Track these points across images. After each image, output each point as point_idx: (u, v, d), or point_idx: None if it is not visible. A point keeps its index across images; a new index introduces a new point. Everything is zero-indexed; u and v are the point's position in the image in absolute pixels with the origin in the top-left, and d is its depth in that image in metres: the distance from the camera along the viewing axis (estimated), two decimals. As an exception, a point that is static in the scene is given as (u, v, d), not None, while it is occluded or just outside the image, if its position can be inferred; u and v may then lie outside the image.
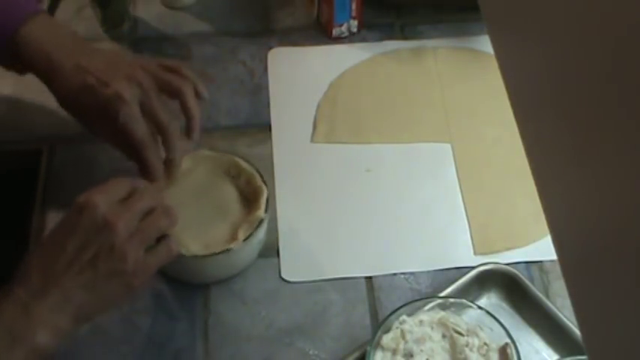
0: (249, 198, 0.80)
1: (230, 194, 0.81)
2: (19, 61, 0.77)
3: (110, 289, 0.64)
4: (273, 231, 0.83)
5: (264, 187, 0.79)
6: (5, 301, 0.62)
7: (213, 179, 0.82)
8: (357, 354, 0.74)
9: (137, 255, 0.65)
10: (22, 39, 0.76)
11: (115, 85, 0.73)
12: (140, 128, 0.73)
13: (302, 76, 0.99)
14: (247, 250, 0.78)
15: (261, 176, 0.80)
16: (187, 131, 0.77)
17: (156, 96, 0.75)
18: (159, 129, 0.75)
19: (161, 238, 0.68)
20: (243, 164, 0.81)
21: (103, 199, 0.65)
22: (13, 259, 0.84)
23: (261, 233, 0.78)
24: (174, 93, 0.77)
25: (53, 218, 0.85)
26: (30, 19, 0.76)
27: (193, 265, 0.76)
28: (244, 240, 0.76)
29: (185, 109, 0.77)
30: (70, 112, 0.78)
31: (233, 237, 0.77)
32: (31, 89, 0.80)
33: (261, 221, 0.77)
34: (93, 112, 0.75)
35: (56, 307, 0.62)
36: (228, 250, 0.75)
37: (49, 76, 0.76)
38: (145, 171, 0.74)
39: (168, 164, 0.76)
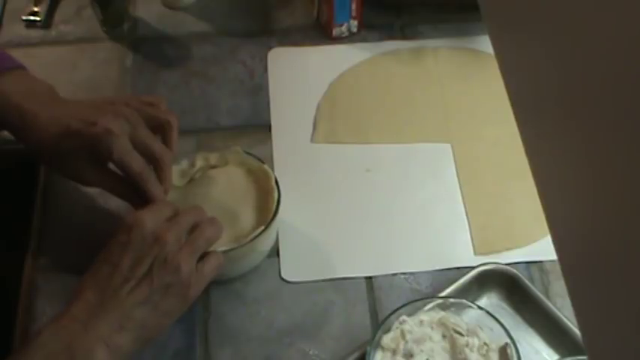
0: (263, 199, 0.80)
1: (246, 196, 0.80)
2: None
3: (167, 302, 0.65)
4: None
5: (275, 189, 0.79)
6: (64, 320, 0.63)
7: (235, 179, 0.81)
8: (357, 354, 0.74)
9: (190, 266, 0.66)
10: None
11: (102, 123, 0.71)
12: (136, 161, 0.72)
13: (302, 76, 0.99)
14: (251, 250, 0.77)
15: (276, 179, 0.80)
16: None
17: (144, 128, 0.73)
18: (153, 160, 0.74)
19: (207, 252, 0.69)
20: (265, 168, 0.81)
21: (150, 217, 0.67)
22: (12, 259, 0.84)
23: (266, 236, 0.78)
24: (160, 127, 0.76)
25: (53, 218, 0.85)
26: (7, 73, 0.75)
27: None
28: (247, 243, 0.75)
29: (167, 142, 0.76)
30: (50, 164, 0.77)
31: (241, 236, 0.76)
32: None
33: (268, 223, 0.77)
34: (78, 157, 0.73)
35: (116, 324, 0.63)
36: (228, 250, 0.75)
37: (23, 129, 0.74)
38: (147, 202, 0.73)
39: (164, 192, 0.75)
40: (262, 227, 0.76)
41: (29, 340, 0.63)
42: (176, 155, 0.77)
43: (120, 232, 0.66)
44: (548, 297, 0.77)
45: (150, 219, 0.67)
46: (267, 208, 0.78)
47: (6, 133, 0.77)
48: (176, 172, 0.80)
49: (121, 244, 0.66)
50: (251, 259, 0.79)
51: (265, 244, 0.79)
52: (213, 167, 0.82)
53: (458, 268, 0.80)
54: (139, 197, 0.73)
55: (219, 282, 0.79)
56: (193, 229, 0.69)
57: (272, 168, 0.88)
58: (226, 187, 0.80)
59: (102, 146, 0.71)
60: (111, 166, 0.74)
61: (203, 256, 0.69)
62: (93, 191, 0.87)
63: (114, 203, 0.84)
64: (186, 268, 0.66)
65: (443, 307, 0.72)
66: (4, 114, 0.74)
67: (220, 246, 0.73)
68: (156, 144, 0.74)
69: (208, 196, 0.79)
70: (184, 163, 0.81)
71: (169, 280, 0.65)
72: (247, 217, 0.78)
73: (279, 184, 0.79)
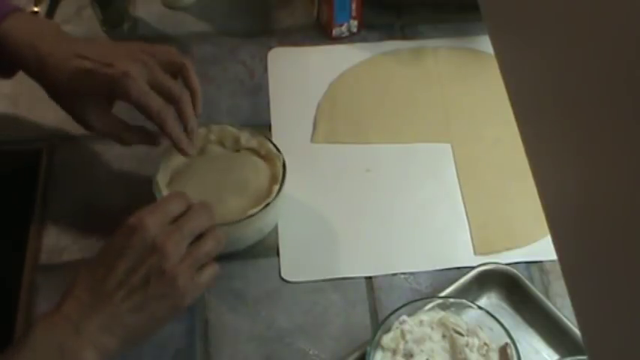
0: (269, 177, 0.81)
1: (257, 171, 0.82)
2: (3, 57, 0.76)
3: (159, 310, 0.65)
4: (273, 231, 0.83)
5: (280, 170, 0.80)
6: (56, 318, 0.63)
7: (239, 155, 0.84)
8: (357, 354, 0.74)
9: (187, 278, 0.66)
10: (3, 32, 0.74)
11: (119, 65, 0.72)
12: (155, 101, 0.73)
13: (302, 76, 0.99)
14: (255, 223, 0.78)
15: (280, 152, 0.82)
16: (193, 106, 0.78)
17: (161, 71, 0.74)
18: (173, 101, 0.75)
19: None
20: (270, 145, 0.83)
21: (154, 220, 0.66)
22: (12, 259, 0.84)
23: (265, 214, 0.78)
24: (177, 71, 0.77)
25: (53, 218, 0.85)
26: (9, 15, 0.76)
27: None
28: (250, 216, 0.76)
29: (189, 84, 0.77)
30: (62, 103, 0.77)
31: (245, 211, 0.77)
32: (31, 89, 0.80)
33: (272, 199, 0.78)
34: (91, 98, 0.75)
35: (106, 328, 0.63)
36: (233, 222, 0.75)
37: (37, 66, 0.75)
38: (172, 140, 0.75)
39: (189, 134, 0.77)
40: (268, 200, 0.78)
41: (21, 337, 0.63)
42: (199, 95, 0.78)
43: (120, 234, 0.66)
44: (548, 297, 0.77)
45: (153, 223, 0.65)
46: (273, 180, 0.80)
47: (5, 130, 0.78)
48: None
49: (120, 247, 0.65)
50: (255, 233, 0.80)
51: (270, 218, 0.80)
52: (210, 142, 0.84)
53: (458, 268, 0.80)
54: (145, 138, 0.75)
55: (218, 260, 0.79)
56: (197, 237, 0.68)
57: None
58: (229, 162, 0.82)
59: (119, 88, 0.72)
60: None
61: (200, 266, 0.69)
62: (92, 191, 0.87)
63: (114, 203, 0.84)
64: (183, 281, 0.65)
65: (443, 307, 0.72)
66: (19, 54, 0.75)
67: (227, 218, 0.75)
68: (174, 84, 0.75)
69: (212, 171, 0.81)
70: (201, 131, 0.83)
71: (164, 291, 0.65)
72: (253, 190, 0.80)
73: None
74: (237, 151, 0.84)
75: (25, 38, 0.75)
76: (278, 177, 0.80)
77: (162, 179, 0.79)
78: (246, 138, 0.84)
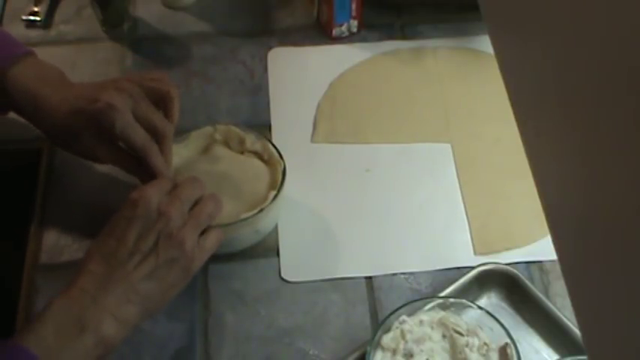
0: (269, 178, 0.82)
1: (258, 176, 0.82)
2: (4, 101, 0.78)
3: (171, 276, 0.67)
4: (273, 231, 0.83)
5: (280, 172, 0.80)
6: (72, 292, 0.64)
7: (240, 156, 0.84)
8: (357, 354, 0.74)
9: (193, 240, 0.68)
10: (10, 79, 0.77)
11: (104, 98, 0.73)
12: (139, 134, 0.73)
13: (302, 76, 0.99)
14: (251, 226, 0.78)
15: (282, 159, 0.82)
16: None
17: (146, 102, 0.75)
18: (155, 134, 0.75)
19: (207, 227, 0.71)
20: (273, 150, 0.83)
21: (154, 191, 0.69)
22: (12, 259, 0.84)
23: (267, 213, 0.79)
24: (161, 98, 0.77)
25: (53, 218, 0.85)
26: (19, 60, 0.78)
27: None
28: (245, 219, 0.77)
29: (168, 114, 0.77)
30: (63, 146, 0.80)
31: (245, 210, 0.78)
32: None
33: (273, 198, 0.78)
34: (87, 135, 0.75)
35: (123, 297, 0.65)
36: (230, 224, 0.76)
37: (36, 113, 0.77)
38: (151, 175, 0.74)
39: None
40: (262, 205, 0.78)
41: (39, 313, 0.64)
42: (175, 126, 0.78)
43: (125, 207, 0.68)
44: (548, 297, 0.77)
45: (153, 193, 0.68)
46: (272, 186, 0.80)
47: (5, 130, 0.78)
48: (194, 141, 0.83)
49: (126, 218, 0.67)
50: (250, 236, 0.80)
51: (265, 222, 0.80)
52: (217, 142, 0.84)
53: (458, 268, 0.80)
54: (147, 172, 0.75)
55: (217, 260, 0.80)
56: (195, 204, 0.71)
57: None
58: (231, 164, 0.82)
59: (105, 120, 0.73)
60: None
61: (204, 231, 0.71)
62: (92, 191, 0.87)
63: (114, 203, 0.84)
64: (190, 243, 0.68)
65: (443, 307, 0.72)
66: (19, 100, 0.77)
67: (222, 220, 0.75)
68: (157, 117, 0.75)
69: (213, 172, 0.81)
70: (208, 129, 0.84)
71: (174, 254, 0.67)
72: (250, 195, 0.80)
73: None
74: (242, 153, 0.84)
75: (27, 88, 0.77)
76: (277, 183, 0.80)
77: None
78: (251, 141, 0.84)
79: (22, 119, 0.80)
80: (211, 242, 0.71)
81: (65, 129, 0.76)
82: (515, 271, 0.78)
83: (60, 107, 0.75)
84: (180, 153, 0.82)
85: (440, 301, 0.73)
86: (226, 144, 0.84)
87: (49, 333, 0.62)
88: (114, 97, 0.73)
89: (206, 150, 0.84)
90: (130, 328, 0.66)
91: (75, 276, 0.66)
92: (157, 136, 0.75)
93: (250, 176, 0.82)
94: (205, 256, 0.70)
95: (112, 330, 0.64)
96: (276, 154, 0.82)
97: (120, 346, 0.66)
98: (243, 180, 0.81)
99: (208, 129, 0.84)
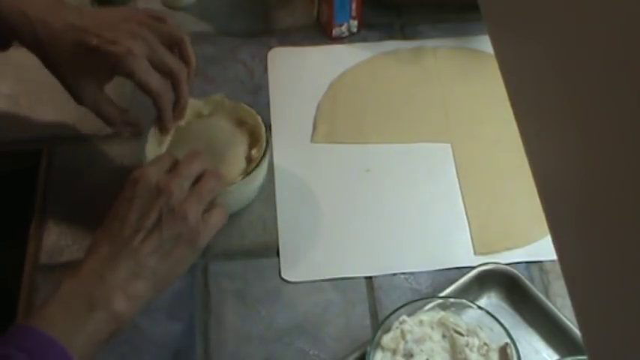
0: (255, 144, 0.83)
1: (239, 141, 0.83)
2: None
3: (178, 251, 0.67)
4: (273, 231, 0.83)
5: (264, 135, 0.82)
6: (81, 272, 0.65)
7: (225, 125, 0.85)
8: (357, 354, 0.74)
9: (197, 214, 0.68)
10: None
11: (124, 43, 0.73)
12: (156, 81, 0.75)
13: (302, 76, 0.99)
14: (241, 191, 0.81)
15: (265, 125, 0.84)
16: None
17: (161, 48, 0.76)
18: (171, 77, 0.77)
19: (211, 205, 0.71)
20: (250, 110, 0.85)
21: (153, 169, 0.70)
22: (12, 259, 0.84)
23: (255, 176, 0.81)
24: (176, 43, 0.79)
25: (53, 218, 0.85)
26: None
27: None
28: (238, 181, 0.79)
29: (185, 57, 0.79)
30: (57, 74, 0.78)
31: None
32: (31, 89, 0.80)
33: (258, 162, 0.80)
34: (90, 73, 0.76)
35: (131, 273, 0.65)
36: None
37: (31, 36, 0.75)
38: (160, 118, 0.78)
39: (181, 107, 0.80)
40: (251, 167, 0.80)
41: (49, 295, 0.64)
42: (194, 67, 0.80)
43: (125, 188, 0.69)
44: (548, 297, 0.77)
45: (153, 172, 0.69)
46: (255, 154, 0.82)
47: (5, 131, 0.78)
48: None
49: (127, 199, 0.68)
50: (240, 199, 0.83)
51: (250, 187, 0.82)
52: (201, 116, 0.86)
53: (458, 268, 0.80)
54: (127, 127, 0.77)
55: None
56: (196, 179, 0.71)
57: (272, 168, 0.88)
58: (215, 135, 0.84)
59: (123, 65, 0.74)
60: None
61: (207, 209, 0.71)
62: (92, 191, 0.87)
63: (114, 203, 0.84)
64: (193, 217, 0.68)
65: (443, 307, 0.72)
66: (10, 23, 0.75)
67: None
68: (174, 61, 0.77)
69: (198, 144, 0.82)
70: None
71: (178, 229, 0.67)
72: (234, 163, 0.81)
73: (279, 184, 0.80)
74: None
75: (16, 6, 0.75)
76: (258, 134, 0.83)
77: (150, 149, 0.81)
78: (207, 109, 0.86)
79: (21, 120, 0.80)
80: (216, 218, 0.70)
81: (65, 59, 0.75)
82: (515, 271, 0.78)
83: (63, 36, 0.74)
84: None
85: (440, 301, 0.73)
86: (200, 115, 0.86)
87: (59, 313, 0.63)
88: (132, 43, 0.74)
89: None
90: (141, 304, 0.66)
91: (83, 260, 0.66)
92: (173, 79, 0.77)
93: (227, 137, 0.84)
94: (211, 232, 0.70)
95: (122, 305, 0.64)
96: (253, 113, 0.84)
97: (132, 320, 0.66)
98: (224, 142, 0.83)
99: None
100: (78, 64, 0.75)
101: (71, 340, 0.61)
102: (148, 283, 0.66)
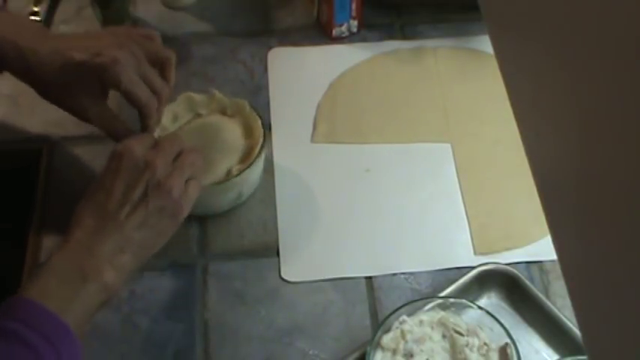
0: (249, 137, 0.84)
1: (235, 134, 0.84)
2: None
3: (160, 224, 0.68)
4: (273, 231, 0.83)
5: (260, 129, 0.83)
6: (70, 244, 0.65)
7: (218, 120, 0.86)
8: (357, 354, 0.74)
9: (180, 188, 0.69)
10: None
11: (108, 52, 0.73)
12: (143, 91, 0.75)
13: (302, 76, 0.99)
14: (245, 181, 0.82)
15: (260, 117, 0.85)
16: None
17: (147, 63, 0.76)
18: (154, 94, 0.77)
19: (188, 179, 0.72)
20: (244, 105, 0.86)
21: (137, 144, 0.70)
22: (12, 258, 0.84)
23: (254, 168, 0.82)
24: (159, 61, 0.78)
25: (53, 218, 0.85)
26: None
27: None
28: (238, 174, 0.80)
29: (167, 77, 0.79)
30: (54, 100, 0.78)
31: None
32: (31, 89, 0.80)
33: (257, 155, 0.81)
34: (79, 90, 0.75)
35: (117, 247, 0.66)
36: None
37: (20, 64, 0.75)
38: (143, 128, 0.77)
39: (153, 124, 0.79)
40: (247, 163, 0.81)
41: (39, 268, 0.65)
42: (172, 90, 0.79)
43: (110, 160, 0.69)
44: (548, 297, 0.77)
45: (137, 147, 0.69)
46: (251, 151, 0.82)
47: (5, 130, 0.78)
48: (169, 113, 0.85)
49: (112, 171, 0.68)
50: (231, 196, 0.83)
51: (246, 183, 0.83)
52: (200, 115, 0.87)
53: (458, 268, 0.80)
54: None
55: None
56: (177, 156, 0.71)
57: (272, 168, 0.88)
58: (213, 135, 0.85)
59: (109, 75, 0.73)
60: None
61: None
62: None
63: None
64: (177, 191, 0.69)
65: (443, 307, 0.72)
66: (4, 53, 0.75)
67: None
68: (157, 79, 0.77)
69: (197, 144, 0.82)
70: (179, 105, 0.86)
71: (163, 202, 0.68)
72: (231, 160, 0.82)
73: (279, 184, 0.80)
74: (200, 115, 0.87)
75: (5, 37, 0.75)
76: (252, 125, 0.84)
77: None
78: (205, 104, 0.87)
79: (21, 120, 0.80)
80: (193, 190, 0.71)
81: (58, 82, 0.75)
82: (515, 271, 0.78)
83: (51, 59, 0.74)
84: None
85: (440, 301, 0.73)
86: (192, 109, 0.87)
87: (54, 285, 0.63)
88: (118, 53, 0.73)
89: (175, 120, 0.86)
90: (127, 275, 0.67)
91: (69, 230, 0.66)
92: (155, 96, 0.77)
93: (225, 132, 0.84)
94: (190, 204, 0.71)
95: (111, 278, 0.65)
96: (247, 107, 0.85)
97: (119, 292, 0.67)
98: (222, 137, 0.84)
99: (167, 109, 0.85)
100: (69, 84, 0.75)
101: (67, 311, 0.62)
102: (132, 256, 0.67)
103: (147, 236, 0.68)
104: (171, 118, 0.86)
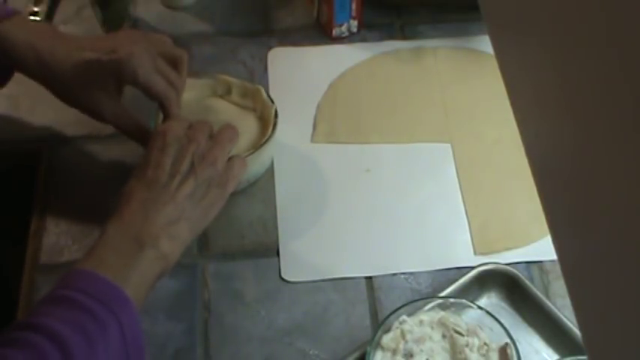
0: (264, 118, 0.86)
1: (248, 118, 0.87)
2: (4, 62, 0.77)
3: (211, 193, 0.71)
4: (273, 231, 0.83)
5: (272, 107, 0.85)
6: (124, 216, 0.66)
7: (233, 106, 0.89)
8: (357, 354, 0.74)
9: (223, 160, 0.72)
10: (4, 34, 0.76)
11: (124, 49, 0.75)
12: (162, 83, 0.76)
13: (302, 76, 0.99)
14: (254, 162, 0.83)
15: (267, 93, 0.87)
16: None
17: (160, 59, 0.78)
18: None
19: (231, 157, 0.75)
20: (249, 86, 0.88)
21: (178, 124, 0.73)
22: (12, 258, 0.85)
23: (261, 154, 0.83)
24: (173, 60, 0.79)
25: (53, 218, 0.85)
26: (8, 17, 0.77)
27: None
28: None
29: (181, 75, 0.80)
30: (69, 101, 0.79)
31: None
32: (31, 89, 0.80)
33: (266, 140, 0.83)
34: (95, 88, 0.76)
35: (172, 217, 0.68)
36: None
37: (38, 66, 0.76)
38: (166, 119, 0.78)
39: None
40: (267, 134, 0.83)
41: (96, 240, 0.65)
42: (184, 87, 0.81)
43: (154, 139, 0.71)
44: (548, 297, 0.77)
45: (177, 125, 0.72)
46: (264, 132, 0.84)
47: (5, 130, 0.78)
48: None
49: (158, 148, 0.70)
50: (260, 165, 0.85)
51: (259, 162, 0.84)
52: (214, 96, 0.89)
53: (458, 268, 0.80)
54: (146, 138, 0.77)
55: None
56: (213, 134, 0.74)
57: (272, 168, 0.88)
58: (225, 114, 0.86)
59: (126, 70, 0.75)
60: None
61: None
62: (92, 191, 0.87)
63: (114, 203, 0.84)
64: (222, 162, 0.72)
65: (443, 307, 0.72)
66: (17, 55, 0.77)
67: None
68: (172, 72, 0.78)
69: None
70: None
71: (210, 173, 0.70)
72: (244, 141, 0.83)
73: (279, 184, 0.80)
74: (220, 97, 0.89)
75: (23, 39, 0.76)
76: (266, 114, 0.85)
77: None
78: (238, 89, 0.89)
79: (21, 120, 0.80)
80: (239, 165, 0.74)
81: (74, 82, 0.76)
82: (515, 271, 0.78)
83: (68, 59, 0.76)
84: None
85: (440, 301, 0.73)
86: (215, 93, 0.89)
87: (111, 255, 0.64)
88: (133, 48, 0.75)
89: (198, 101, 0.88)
90: (183, 246, 0.68)
91: (120, 207, 0.67)
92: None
93: (238, 119, 0.85)
94: (236, 178, 0.73)
95: (167, 246, 0.66)
96: (265, 97, 0.87)
97: (175, 264, 0.67)
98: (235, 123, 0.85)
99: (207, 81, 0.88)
100: (86, 83, 0.76)
101: (126, 280, 0.62)
102: (187, 226, 0.68)
103: (198, 206, 0.69)
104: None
